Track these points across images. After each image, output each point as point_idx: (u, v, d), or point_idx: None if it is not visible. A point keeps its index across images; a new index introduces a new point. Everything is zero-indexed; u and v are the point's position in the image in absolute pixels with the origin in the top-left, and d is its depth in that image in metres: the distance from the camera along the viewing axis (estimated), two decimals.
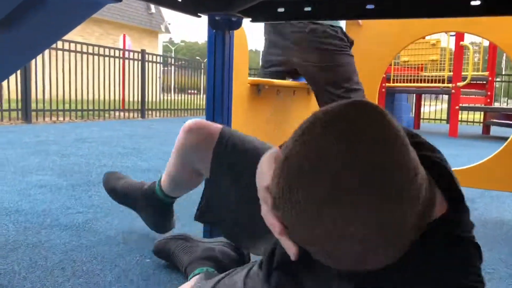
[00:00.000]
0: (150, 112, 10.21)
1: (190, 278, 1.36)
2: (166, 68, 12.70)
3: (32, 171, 3.08)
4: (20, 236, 1.76)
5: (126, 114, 9.48)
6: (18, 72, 6.78)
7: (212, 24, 1.55)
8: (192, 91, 12.71)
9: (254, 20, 1.61)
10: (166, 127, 7.52)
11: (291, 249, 0.64)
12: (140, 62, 9.77)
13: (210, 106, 1.57)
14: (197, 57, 13.23)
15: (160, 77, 12.68)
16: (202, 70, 12.82)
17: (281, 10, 1.55)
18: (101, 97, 8.82)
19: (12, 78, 6.86)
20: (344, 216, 0.55)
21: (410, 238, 0.60)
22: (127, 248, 1.67)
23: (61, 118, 7.81)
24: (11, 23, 0.94)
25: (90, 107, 8.44)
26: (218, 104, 1.54)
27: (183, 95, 11.62)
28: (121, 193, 1.67)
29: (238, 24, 1.59)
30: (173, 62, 12.39)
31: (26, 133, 5.56)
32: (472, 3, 1.28)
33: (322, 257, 0.63)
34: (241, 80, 1.80)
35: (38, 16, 0.95)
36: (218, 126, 1.26)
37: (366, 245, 0.57)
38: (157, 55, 11.04)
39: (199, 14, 1.53)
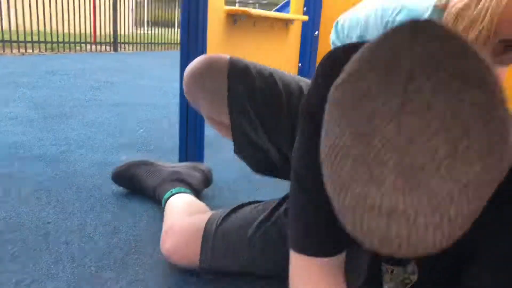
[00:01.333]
0: (122, 46, 9.90)
1: (166, 198, 1.37)
2: (139, 0, 12.20)
3: (1, 103, 2.99)
4: None
5: (98, 47, 9.18)
6: None
7: None
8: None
9: None
10: (139, 61, 7.34)
11: None
12: None
13: (185, 35, 1.52)
14: None
15: (132, 10, 12.22)
16: (177, 3, 12.37)
17: None
18: (72, 30, 8.48)
19: None
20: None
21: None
22: (102, 180, 1.67)
23: (29, 50, 7.51)
24: None
25: (60, 40, 8.13)
26: (193, 34, 1.50)
27: (157, 29, 11.26)
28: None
29: None
30: None
31: None
32: None
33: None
34: (217, 8, 1.74)
35: None
36: (224, 58, 1.08)
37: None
38: None
39: None
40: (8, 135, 2.20)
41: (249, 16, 2.00)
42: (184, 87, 1.11)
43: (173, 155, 2.00)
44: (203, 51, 1.52)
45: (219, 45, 1.85)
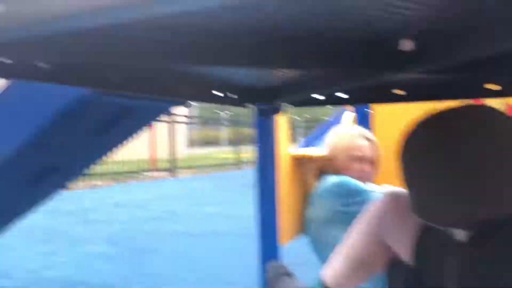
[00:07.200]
0: (179, 170, 10.05)
1: None
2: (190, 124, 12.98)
3: (80, 240, 3.22)
4: None
5: (156, 173, 9.47)
6: None
7: (261, 112, 1.74)
8: None
9: (294, 105, 1.80)
10: (197, 185, 7.53)
11: None
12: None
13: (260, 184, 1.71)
14: (215, 110, 13.64)
15: (185, 133, 12.91)
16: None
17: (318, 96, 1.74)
18: (131, 157, 8.83)
19: None
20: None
21: None
22: None
23: (96, 182, 7.79)
24: (107, 129, 1.15)
25: (121, 169, 8.51)
26: (263, 182, 1.69)
27: (206, 149, 11.77)
28: None
29: (280, 109, 1.78)
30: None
31: (65, 200, 5.65)
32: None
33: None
34: (283, 154, 1.96)
35: (127, 122, 1.16)
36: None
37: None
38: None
39: (245, 104, 1.72)
40: (96, 274, 2.37)
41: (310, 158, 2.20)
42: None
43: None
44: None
45: (287, 186, 2.03)
